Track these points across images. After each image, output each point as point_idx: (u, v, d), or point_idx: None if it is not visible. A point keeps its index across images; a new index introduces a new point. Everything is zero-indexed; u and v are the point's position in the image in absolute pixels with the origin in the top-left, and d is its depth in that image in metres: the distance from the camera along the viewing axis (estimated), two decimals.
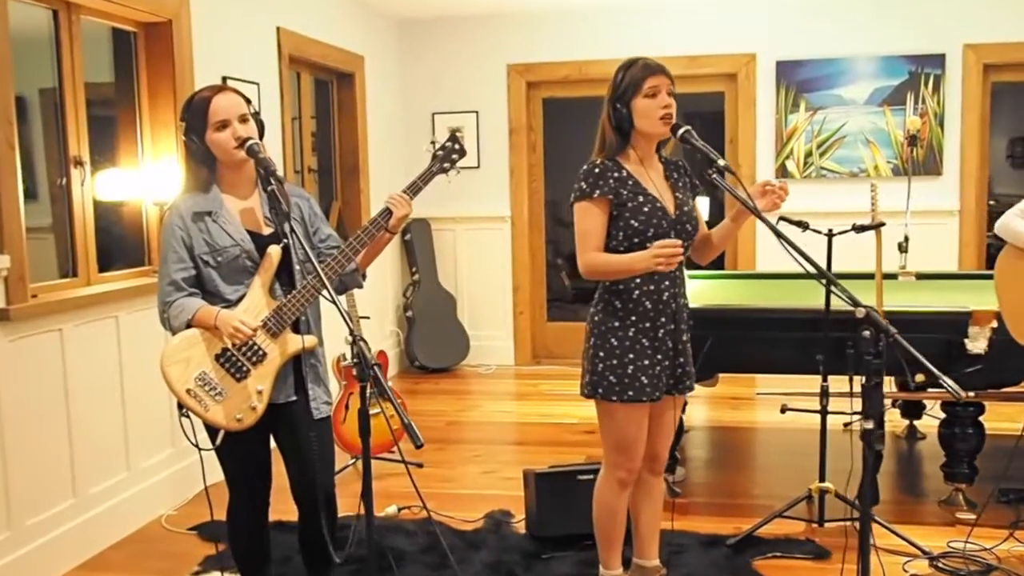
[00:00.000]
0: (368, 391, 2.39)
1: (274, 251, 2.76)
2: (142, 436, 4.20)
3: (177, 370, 2.66)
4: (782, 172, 7.01)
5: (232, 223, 2.76)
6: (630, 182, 2.92)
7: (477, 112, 7.41)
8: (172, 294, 2.71)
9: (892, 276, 5.15)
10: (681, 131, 2.84)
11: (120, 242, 4.54)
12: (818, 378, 3.93)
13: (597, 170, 2.92)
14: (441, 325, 7.45)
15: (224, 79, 4.85)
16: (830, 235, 3.87)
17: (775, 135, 7.02)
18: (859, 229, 3.77)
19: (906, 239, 5.35)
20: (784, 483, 4.49)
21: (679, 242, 2.74)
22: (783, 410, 4.04)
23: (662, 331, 2.94)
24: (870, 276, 4.29)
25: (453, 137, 3.06)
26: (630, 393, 2.92)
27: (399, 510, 4.21)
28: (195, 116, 2.72)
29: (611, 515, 3.12)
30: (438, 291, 7.52)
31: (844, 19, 6.90)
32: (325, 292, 2.50)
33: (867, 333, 2.42)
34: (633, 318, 2.93)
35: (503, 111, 7.40)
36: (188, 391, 2.66)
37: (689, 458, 4.95)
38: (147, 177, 4.43)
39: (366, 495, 2.34)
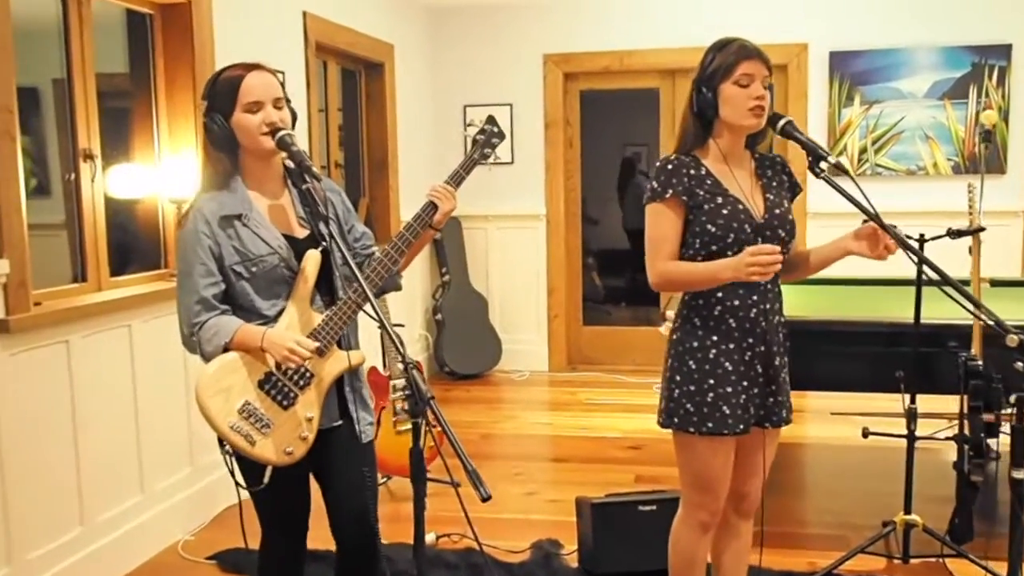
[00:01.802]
0: (410, 416, 2.05)
1: (313, 257, 2.39)
2: (157, 455, 3.85)
3: (218, 403, 2.28)
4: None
5: (265, 226, 2.39)
6: (708, 181, 2.53)
7: (511, 105, 7.03)
8: (201, 314, 2.33)
9: (964, 283, 4.76)
10: (782, 123, 2.45)
11: (134, 243, 4.20)
12: (897, 396, 3.55)
13: (670, 166, 2.54)
14: (472, 329, 7.09)
15: None
16: (922, 240, 3.48)
17: (827, 130, 6.61)
18: (955, 234, 3.37)
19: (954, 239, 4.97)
20: (857, 511, 4.11)
21: (777, 248, 2.34)
22: (865, 434, 3.66)
23: (749, 354, 2.55)
24: (929, 284, 3.92)
25: (491, 119, 2.72)
26: (709, 425, 2.53)
27: (437, 538, 3.85)
28: (222, 94, 2.35)
29: (690, 562, 2.73)
30: (469, 293, 7.16)
31: (902, 7, 6.48)
32: (369, 303, 2.14)
33: (1021, 365, 2.02)
34: (715, 338, 2.54)
35: (539, 104, 7.03)
36: (232, 426, 2.28)
37: None
38: (164, 173, 4.08)
39: (417, 554, 1.99)
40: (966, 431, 3.40)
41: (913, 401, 3.50)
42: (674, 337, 2.63)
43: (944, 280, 2.15)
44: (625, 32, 6.85)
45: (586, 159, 7.26)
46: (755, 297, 2.54)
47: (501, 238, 7.21)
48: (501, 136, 2.71)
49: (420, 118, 6.91)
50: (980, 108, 6.37)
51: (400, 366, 2.02)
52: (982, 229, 3.44)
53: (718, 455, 2.59)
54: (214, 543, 3.85)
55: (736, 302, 2.53)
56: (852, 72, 6.53)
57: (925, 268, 2.23)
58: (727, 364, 2.54)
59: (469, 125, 2.74)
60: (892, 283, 4.78)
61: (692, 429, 2.55)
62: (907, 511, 3.52)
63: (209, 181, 2.41)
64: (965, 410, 3.53)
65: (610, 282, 8.46)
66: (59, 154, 3.76)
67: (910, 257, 2.22)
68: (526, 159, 7.04)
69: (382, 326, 2.06)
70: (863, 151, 6.57)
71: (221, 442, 2.32)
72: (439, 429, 4.62)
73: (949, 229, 3.41)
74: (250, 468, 2.36)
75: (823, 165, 2.37)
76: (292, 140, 2.33)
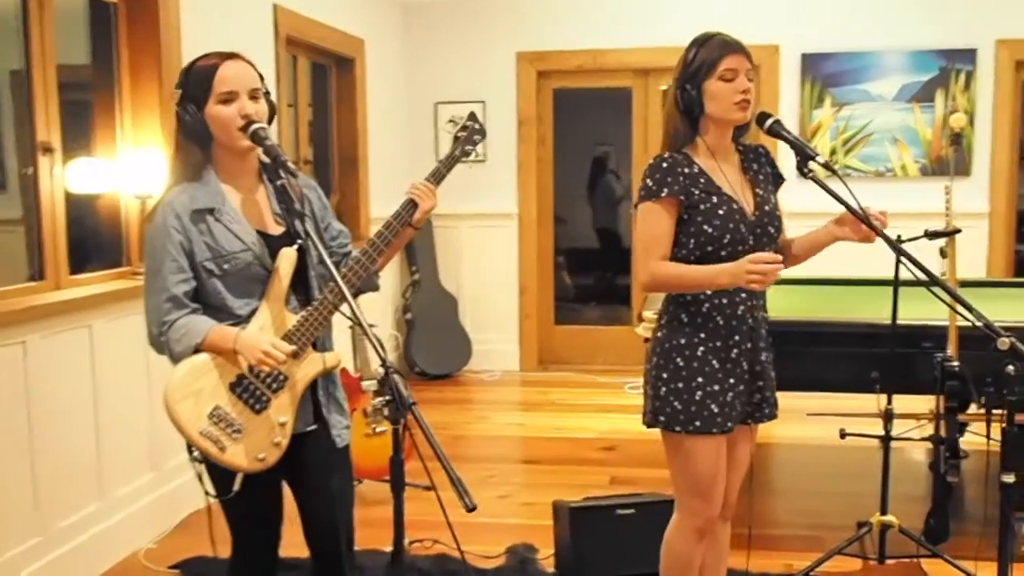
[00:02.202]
0: (390, 422, 1.98)
1: (288, 255, 2.30)
2: (118, 460, 3.72)
3: (187, 407, 2.17)
4: None
5: (239, 222, 2.29)
6: (702, 179, 2.50)
7: (484, 102, 6.95)
8: (171, 312, 2.22)
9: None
10: (769, 122, 2.41)
11: (95, 240, 4.07)
12: (870, 396, 3.53)
13: (665, 165, 2.49)
14: (442, 328, 7.00)
15: None
16: (898, 242, 3.44)
17: (799, 131, 6.59)
18: (932, 235, 3.35)
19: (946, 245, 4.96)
20: (831, 511, 4.09)
21: (780, 258, 2.30)
22: (842, 435, 3.63)
23: (736, 351, 2.53)
24: (909, 284, 3.91)
25: (472, 116, 2.64)
26: (697, 423, 2.50)
27: (409, 543, 3.77)
28: (196, 83, 2.25)
29: (686, 568, 2.68)
30: (439, 292, 7.07)
31: (873, 11, 6.48)
32: (347, 304, 2.06)
33: (1012, 369, 1.98)
34: (702, 335, 2.51)
35: (511, 102, 6.96)
36: (202, 432, 2.18)
37: None
38: (127, 167, 3.96)
39: (396, 563, 1.91)
40: (942, 432, 3.39)
41: (890, 402, 3.46)
42: (659, 335, 2.59)
43: (934, 281, 2.10)
44: (599, 31, 6.79)
45: (558, 158, 7.20)
46: (743, 294, 2.52)
47: (473, 236, 7.13)
48: (483, 133, 2.63)
49: (391, 114, 6.81)
50: (947, 111, 6.39)
51: (380, 370, 1.93)
52: (958, 231, 3.43)
53: (709, 455, 2.54)
54: (178, 551, 3.74)
55: (724, 300, 2.51)
56: (823, 74, 6.52)
57: (911, 268, 2.17)
58: (714, 362, 2.51)
59: (450, 122, 2.66)
60: (864, 283, 4.77)
61: (679, 428, 2.52)
62: (883, 512, 3.48)
63: (180, 173, 2.30)
64: (940, 411, 3.53)
65: (579, 281, 8.41)
66: (16, 147, 3.64)
67: (904, 263, 2.17)
68: (498, 157, 6.97)
69: (360, 327, 1.98)
70: (833, 152, 6.57)
71: (190, 448, 2.23)
72: (410, 432, 4.52)
73: (926, 230, 3.38)
74: (220, 475, 2.27)
75: (811, 165, 2.32)
76: (266, 133, 2.23)
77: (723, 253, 2.46)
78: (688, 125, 2.51)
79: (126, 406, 3.76)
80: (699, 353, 2.50)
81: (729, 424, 2.53)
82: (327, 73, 6.10)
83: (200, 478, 2.27)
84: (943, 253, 5.15)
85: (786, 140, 2.40)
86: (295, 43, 5.34)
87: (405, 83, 7.05)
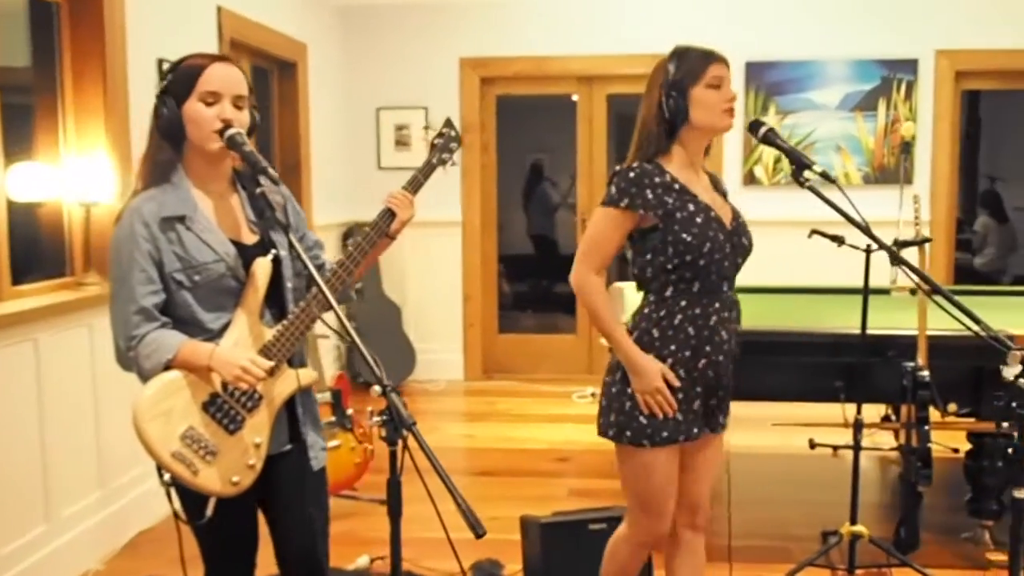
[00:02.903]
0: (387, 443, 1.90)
1: (263, 265, 2.20)
2: (64, 480, 3.55)
3: (157, 428, 2.05)
4: (750, 178, 6.65)
5: (211, 231, 2.17)
6: (676, 187, 2.46)
7: (426, 108, 6.86)
8: (141, 325, 2.09)
9: (884, 291, 4.84)
10: (763, 130, 2.39)
11: (35, 249, 3.88)
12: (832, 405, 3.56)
13: (633, 175, 2.45)
14: (385, 338, 6.88)
15: (160, 62, 4.23)
16: (868, 251, 3.48)
17: (743, 140, 6.65)
18: (901, 245, 3.37)
19: (899, 251, 5.04)
20: (794, 521, 4.09)
21: (674, 405, 2.43)
22: (812, 446, 3.64)
23: (704, 361, 2.49)
24: (879, 292, 3.96)
25: (448, 123, 2.60)
26: (664, 434, 2.47)
27: (371, 561, 3.66)
28: (181, 78, 2.14)
29: (623, 574, 2.72)
30: (382, 301, 6.95)
31: (816, 20, 6.57)
32: (334, 314, 1.98)
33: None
34: (672, 347, 2.47)
35: (455, 108, 6.86)
36: (173, 454, 2.05)
37: None
38: (70, 173, 3.78)
39: None
40: (913, 442, 3.41)
41: (859, 412, 3.48)
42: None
43: (937, 291, 2.09)
44: (542, 38, 6.75)
45: (503, 166, 7.14)
46: (717, 305, 2.50)
47: (416, 244, 7.00)
48: (459, 140, 2.58)
49: (333, 120, 6.67)
50: (889, 120, 6.51)
51: (377, 388, 1.84)
52: (928, 240, 3.46)
53: (665, 467, 2.52)
54: (127, 573, 3.59)
55: (698, 310, 2.48)
56: (768, 83, 6.59)
57: (913, 277, 2.17)
58: (681, 372, 2.48)
59: (425, 128, 2.58)
60: (830, 292, 4.81)
61: (647, 442, 2.48)
62: (852, 522, 3.49)
63: (148, 173, 2.18)
64: (905, 420, 3.57)
65: (515, 288, 8.38)
66: None
67: (907, 273, 2.15)
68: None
69: (351, 340, 1.89)
70: (778, 161, 6.63)
71: (160, 471, 2.10)
72: (370, 447, 4.41)
73: (896, 239, 3.41)
74: (192, 499, 2.15)
75: (807, 174, 2.30)
76: (243, 139, 2.13)
77: (701, 262, 2.43)
78: (665, 133, 2.48)
79: (72, 422, 3.59)
80: (668, 364, 2.47)
81: (695, 430, 2.51)
82: (268, 78, 5.94)
83: (171, 502, 2.14)
84: (890, 263, 5.25)
85: (780, 148, 2.39)
86: (238, 46, 5.19)
87: (347, 89, 6.92)
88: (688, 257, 2.42)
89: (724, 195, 2.62)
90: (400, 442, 1.87)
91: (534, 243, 9.23)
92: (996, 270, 8.91)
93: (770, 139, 2.40)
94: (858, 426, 3.47)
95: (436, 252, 7.03)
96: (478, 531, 1.68)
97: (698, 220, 2.43)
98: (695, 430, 2.51)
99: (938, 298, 2.15)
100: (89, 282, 3.75)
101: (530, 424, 5.79)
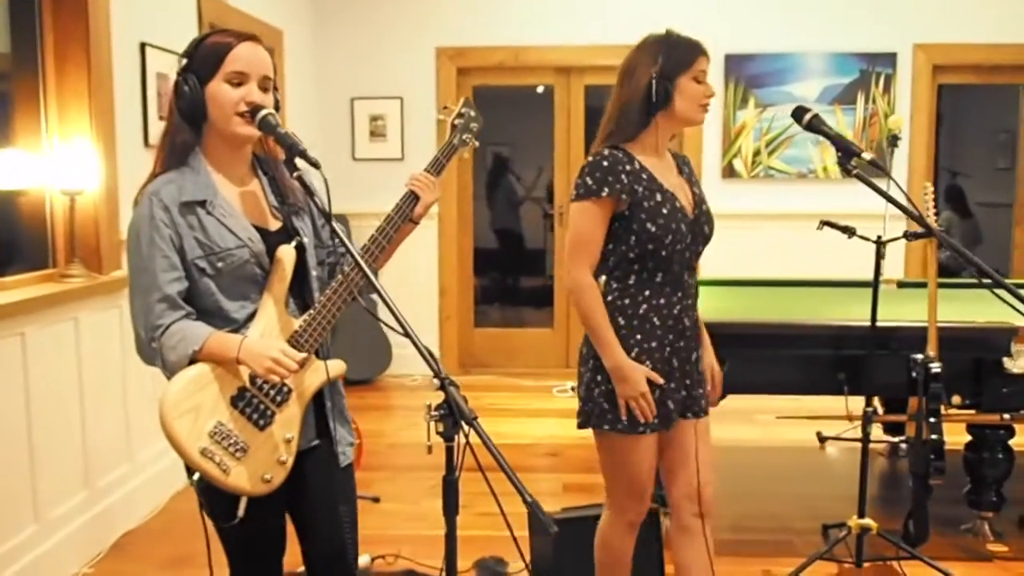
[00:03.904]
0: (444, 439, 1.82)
1: (288, 252, 2.10)
2: (52, 479, 3.40)
3: (186, 425, 1.94)
4: (729, 171, 6.63)
5: (233, 215, 2.07)
6: (644, 176, 2.46)
7: (401, 99, 6.75)
8: (165, 314, 1.98)
9: (868, 284, 4.85)
10: (808, 116, 2.36)
11: (16, 240, 3.72)
12: (841, 399, 3.54)
13: (606, 163, 2.44)
14: (361, 333, 6.75)
15: (143, 46, 4.08)
16: (879, 242, 3.47)
17: (723, 132, 6.64)
18: (912, 236, 3.34)
19: (883, 245, 5.04)
20: (796, 514, 4.07)
21: (654, 410, 2.48)
22: (821, 439, 3.61)
23: (668, 349, 2.51)
24: (863, 284, 3.97)
25: (467, 102, 2.51)
26: (625, 421, 2.47)
27: (372, 560, 3.57)
28: (205, 56, 2.03)
29: (619, 561, 2.73)
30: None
31: (796, 13, 6.57)
32: (380, 297, 1.88)
33: None
34: (638, 336, 2.48)
35: (430, 98, 6.75)
36: (203, 451, 1.95)
37: None
38: (53, 161, 3.63)
39: None
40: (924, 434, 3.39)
41: (868, 404, 3.46)
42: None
43: (998, 284, 2.05)
44: (521, 28, 6.67)
45: (480, 158, 7.05)
46: (679, 294, 2.52)
47: None
48: (479, 121, 2.49)
49: (305, 110, 6.53)
50: (867, 114, 6.54)
51: (436, 381, 1.75)
52: (940, 231, 3.43)
53: (640, 454, 2.54)
54: (115, 575, 3.45)
55: (662, 300, 2.50)
56: (747, 75, 6.58)
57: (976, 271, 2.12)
58: (647, 362, 2.48)
59: (444, 108, 2.50)
60: (813, 284, 4.80)
61: (608, 427, 2.50)
62: (860, 515, 3.47)
63: (166, 156, 2.07)
64: (911, 412, 3.55)
65: (484, 281, 8.29)
66: None
67: (980, 266, 2.08)
68: (417, 156, 6.74)
69: (404, 331, 1.80)
70: (757, 153, 6.63)
71: (189, 471, 2.00)
72: (360, 442, 4.28)
73: (906, 231, 3.38)
74: (222, 499, 2.04)
75: (855, 161, 2.26)
76: (276, 121, 2.03)
77: (663, 253, 2.45)
78: (641, 121, 2.47)
79: (59, 420, 3.45)
80: (634, 355, 2.47)
81: (669, 422, 2.52)
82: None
83: (201, 506, 2.04)
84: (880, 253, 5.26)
85: (827, 136, 2.34)
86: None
87: (319, 77, 6.77)
88: (651, 246, 2.44)
89: (690, 177, 2.61)
90: (458, 438, 1.77)
91: (498, 237, 9.13)
92: (959, 264, 9.02)
93: (815, 126, 2.36)
94: (867, 419, 3.45)
95: (411, 245, 6.76)
96: (549, 529, 1.60)
97: (664, 211, 2.44)
98: (670, 421, 2.53)
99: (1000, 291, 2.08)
100: (73, 274, 3.60)
101: (513, 419, 5.71)
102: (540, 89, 6.95)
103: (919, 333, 3.46)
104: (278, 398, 2.06)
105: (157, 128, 4.18)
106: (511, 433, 5.41)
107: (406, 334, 1.79)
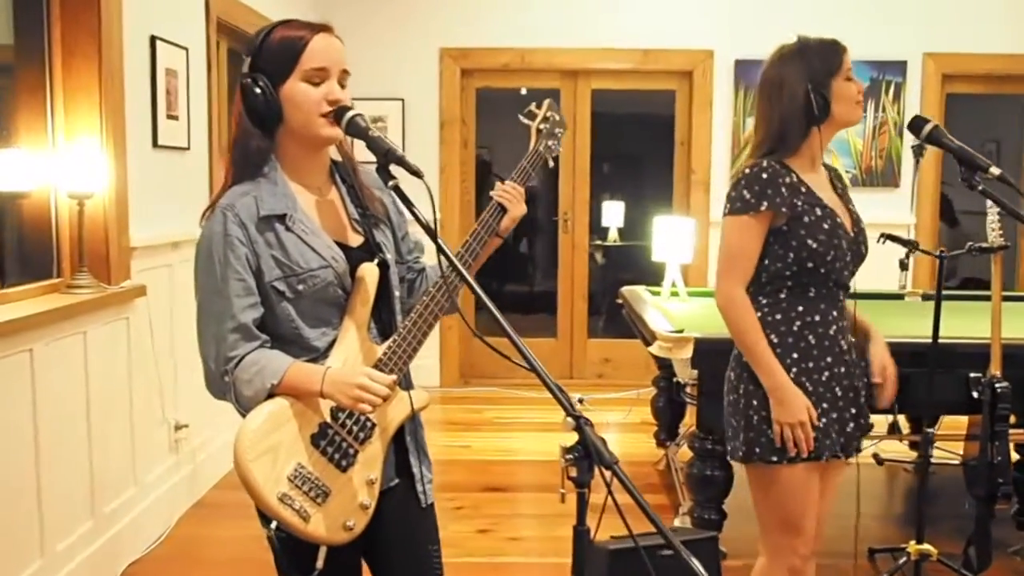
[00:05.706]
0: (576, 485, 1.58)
1: (371, 271, 1.88)
2: (59, 507, 3.13)
3: (263, 468, 1.71)
4: None
5: (314, 232, 1.85)
6: (803, 190, 2.28)
7: (403, 100, 6.51)
8: (239, 344, 1.76)
9: (898, 297, 4.73)
10: (928, 127, 2.20)
11: (18, 247, 3.46)
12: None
13: (766, 176, 2.26)
14: None
15: (153, 39, 3.84)
16: (941, 257, 3.32)
17: (732, 139, 6.50)
18: (978, 251, 3.20)
19: (908, 255, 4.90)
20: (838, 536, 3.88)
21: (812, 444, 2.28)
22: (879, 461, 3.44)
23: (827, 374, 2.31)
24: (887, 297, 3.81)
25: (551, 105, 2.30)
26: (796, 451, 2.27)
27: None
28: (277, 53, 1.81)
29: None
30: None
31: (806, 19, 6.41)
32: (493, 312, 1.68)
33: None
34: (794, 355, 2.30)
35: (433, 101, 6.54)
36: (282, 497, 1.72)
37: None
38: (60, 161, 3.37)
39: None
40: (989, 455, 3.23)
41: (930, 425, 3.29)
42: (744, 359, 2.34)
43: None
44: (527, 29, 6.47)
45: (482, 162, 6.86)
46: (835, 313, 2.34)
47: None
48: (564, 125, 2.29)
49: None
50: (877, 123, 6.42)
51: (569, 420, 1.54)
52: (1006, 247, 3.28)
53: (803, 485, 2.33)
54: None
55: (817, 317, 2.31)
56: (757, 82, 6.40)
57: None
58: (807, 384, 2.29)
59: (526, 113, 2.28)
60: (856, 296, 4.63)
61: (776, 458, 2.28)
62: (919, 540, 3.31)
63: (240, 166, 1.84)
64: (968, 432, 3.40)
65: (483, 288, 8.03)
66: None
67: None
68: (419, 159, 6.26)
69: (529, 365, 1.58)
70: None
71: (266, 519, 1.77)
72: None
73: (970, 245, 3.24)
74: (297, 548, 1.80)
75: (980, 176, 2.08)
76: (366, 122, 1.81)
77: (822, 270, 2.29)
78: (801, 132, 2.30)
79: (66, 442, 3.19)
80: (792, 375, 2.28)
81: (836, 448, 2.32)
82: (243, 61, 5.53)
83: (277, 558, 1.81)
84: (903, 265, 5.12)
85: (949, 149, 2.19)
86: (223, 27, 4.79)
87: None
88: (810, 264, 2.27)
89: (843, 192, 2.45)
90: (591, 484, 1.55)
91: (502, 244, 8.89)
92: (947, 273, 8.95)
93: (936, 139, 2.20)
94: (927, 440, 3.29)
95: None
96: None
97: (824, 226, 2.28)
98: (837, 448, 2.33)
99: None
100: (81, 284, 3.33)
101: (525, 433, 5.51)
102: (524, 91, 6.73)
103: (975, 349, 3.31)
104: (361, 435, 1.84)
105: (167, 128, 3.94)
106: (522, 449, 5.21)
107: (532, 368, 1.56)
